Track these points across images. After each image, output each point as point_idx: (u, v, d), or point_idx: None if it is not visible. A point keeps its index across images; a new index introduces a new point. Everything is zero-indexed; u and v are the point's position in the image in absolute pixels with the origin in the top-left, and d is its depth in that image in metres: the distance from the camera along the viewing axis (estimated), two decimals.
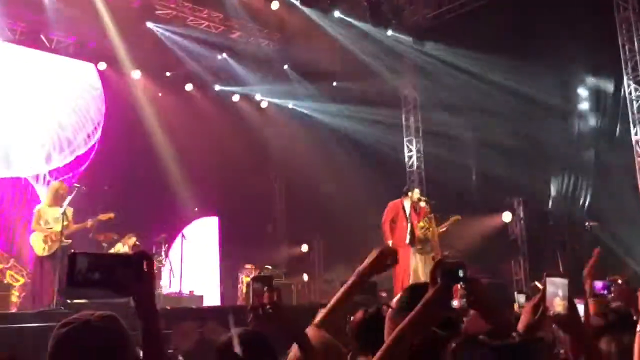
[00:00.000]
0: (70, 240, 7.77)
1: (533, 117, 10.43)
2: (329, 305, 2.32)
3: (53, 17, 10.77)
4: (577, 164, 10.00)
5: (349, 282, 2.29)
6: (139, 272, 1.60)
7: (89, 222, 8.27)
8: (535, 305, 1.69)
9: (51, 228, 7.65)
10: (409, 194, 9.22)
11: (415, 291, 1.80)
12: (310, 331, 2.16)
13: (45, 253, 7.64)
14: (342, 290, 2.30)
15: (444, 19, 12.30)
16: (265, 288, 1.97)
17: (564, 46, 9.79)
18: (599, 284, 2.71)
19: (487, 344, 1.20)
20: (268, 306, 1.95)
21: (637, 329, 2.03)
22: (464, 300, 1.61)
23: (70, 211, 7.90)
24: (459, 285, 1.61)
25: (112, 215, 9.25)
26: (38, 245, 7.74)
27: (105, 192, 10.50)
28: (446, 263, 1.67)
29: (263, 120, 14.92)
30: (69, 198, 7.67)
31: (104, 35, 11.36)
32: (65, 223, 7.54)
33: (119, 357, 1.64)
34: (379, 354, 1.61)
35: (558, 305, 1.64)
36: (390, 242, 8.78)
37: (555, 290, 1.67)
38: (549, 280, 1.69)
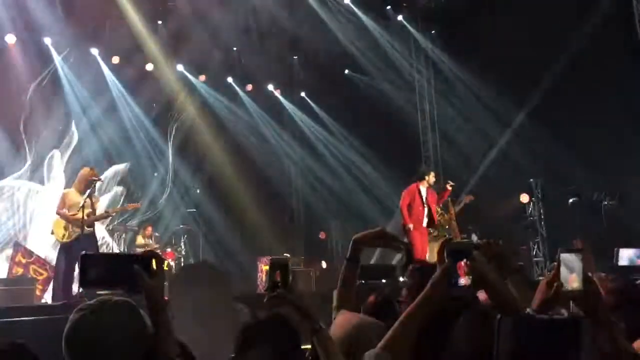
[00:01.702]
0: (92, 229, 7.57)
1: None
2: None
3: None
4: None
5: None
6: (148, 271, 1.68)
7: (112, 211, 8.28)
8: (549, 282, 1.68)
9: (75, 214, 7.32)
10: (426, 177, 9.16)
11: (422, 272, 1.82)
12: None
13: (66, 240, 7.44)
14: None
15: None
16: (279, 271, 1.99)
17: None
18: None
19: (536, 318, 1.22)
20: (284, 288, 1.96)
21: None
22: (470, 278, 1.63)
23: (97, 200, 7.80)
24: (463, 263, 1.63)
25: (138, 205, 9.34)
26: (59, 230, 7.54)
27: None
28: (453, 243, 1.72)
29: (276, 110, 14.97)
30: (90, 189, 7.43)
31: None
32: (89, 210, 7.34)
33: (134, 341, 1.67)
34: (390, 332, 1.66)
35: (574, 281, 1.63)
36: (411, 226, 8.79)
37: (571, 265, 1.66)
38: (563, 256, 1.68)
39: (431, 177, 9.17)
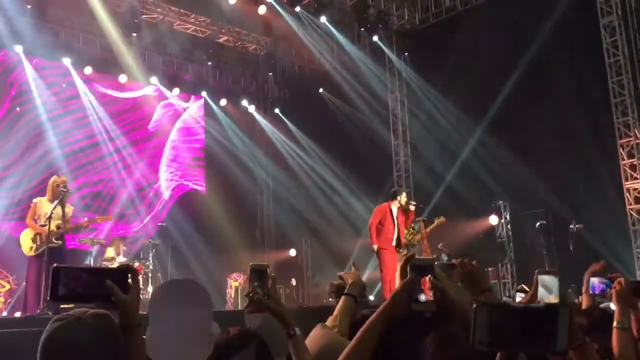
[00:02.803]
0: (60, 242, 7.24)
1: None
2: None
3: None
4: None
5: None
6: (123, 286, 1.62)
7: (84, 223, 7.88)
8: (528, 302, 1.70)
9: (44, 225, 7.03)
10: (397, 197, 9.20)
11: None
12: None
13: (32, 253, 7.13)
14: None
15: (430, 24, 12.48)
16: (259, 276, 2.02)
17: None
18: (595, 281, 2.71)
19: (512, 307, 1.21)
20: (263, 293, 2.00)
21: (614, 324, 2.07)
22: (431, 294, 1.63)
23: (70, 209, 7.45)
24: (427, 279, 1.64)
25: (110, 217, 9.11)
26: (26, 243, 7.23)
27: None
28: (416, 258, 1.73)
29: (250, 126, 14.97)
30: (59, 199, 7.14)
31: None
32: (58, 222, 7.10)
33: (112, 356, 1.63)
34: (351, 342, 1.67)
35: (551, 300, 1.66)
36: (375, 246, 8.83)
37: (548, 287, 1.69)
38: (540, 277, 1.71)
39: (402, 198, 9.21)
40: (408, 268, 1.67)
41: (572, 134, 9.66)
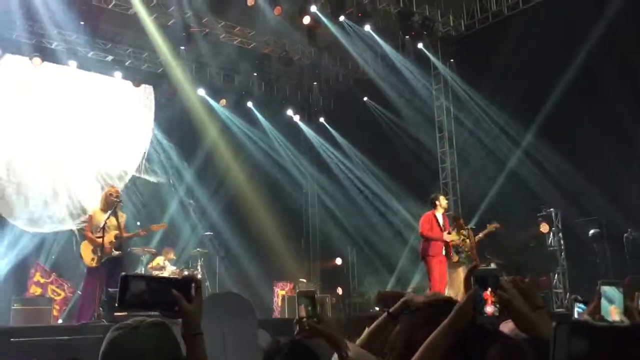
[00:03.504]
0: (119, 252, 7.45)
1: None
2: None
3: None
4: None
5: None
6: (188, 296, 1.67)
7: (141, 232, 8.12)
8: (590, 314, 1.66)
9: (100, 237, 7.17)
10: (437, 203, 9.05)
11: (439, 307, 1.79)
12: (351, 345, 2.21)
13: (94, 264, 7.31)
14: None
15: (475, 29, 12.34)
16: (308, 301, 2.03)
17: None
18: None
19: (596, 326, 1.15)
20: (313, 318, 1.99)
21: None
22: (497, 307, 1.59)
23: (123, 218, 7.64)
24: (489, 292, 1.59)
25: (165, 225, 9.31)
26: (87, 255, 7.44)
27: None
28: (481, 269, 1.67)
29: (295, 135, 15.09)
30: (112, 209, 7.40)
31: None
32: (116, 232, 7.31)
33: None
34: (415, 357, 1.62)
35: (615, 313, 1.61)
36: (449, 237, 8.80)
37: (610, 298, 1.64)
38: (603, 288, 1.66)
39: (442, 201, 9.06)
40: (472, 279, 1.63)
41: (626, 139, 9.37)
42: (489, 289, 1.60)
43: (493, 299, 1.59)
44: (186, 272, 10.42)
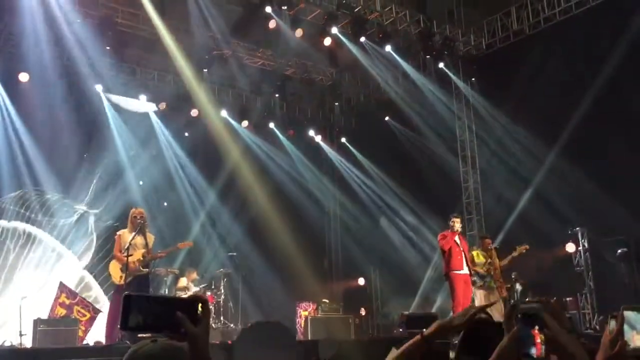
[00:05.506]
0: (147, 270, 7.66)
1: None
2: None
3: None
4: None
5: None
6: (194, 317, 1.56)
7: (168, 250, 8.41)
8: (612, 340, 1.62)
9: (130, 255, 7.44)
10: (449, 223, 8.96)
11: (479, 331, 1.74)
12: None
13: (122, 282, 7.44)
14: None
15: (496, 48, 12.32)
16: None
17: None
18: None
19: None
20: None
21: None
22: (544, 347, 1.52)
23: (151, 239, 7.84)
24: (536, 331, 1.53)
25: (191, 243, 9.45)
26: (116, 273, 7.64)
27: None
28: (523, 307, 1.61)
29: (317, 155, 15.14)
30: (137, 230, 7.65)
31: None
32: (143, 251, 7.56)
33: None
34: None
35: (638, 340, 1.58)
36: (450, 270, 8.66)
37: (634, 324, 1.61)
38: (626, 313, 1.63)
39: (456, 224, 8.94)
40: (514, 317, 1.57)
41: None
42: (536, 327, 1.53)
43: (539, 339, 1.53)
44: (208, 294, 10.45)
